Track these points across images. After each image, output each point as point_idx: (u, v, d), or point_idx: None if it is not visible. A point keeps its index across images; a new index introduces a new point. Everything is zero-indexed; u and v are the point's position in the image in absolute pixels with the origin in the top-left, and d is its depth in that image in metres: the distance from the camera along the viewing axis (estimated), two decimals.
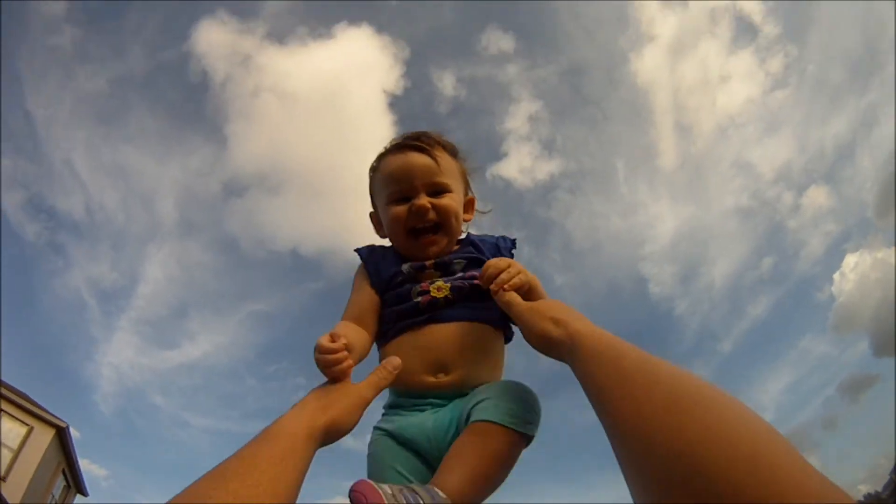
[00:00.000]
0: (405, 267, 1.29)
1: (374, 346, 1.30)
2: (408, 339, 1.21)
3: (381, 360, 1.07)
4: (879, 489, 79.08)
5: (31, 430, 16.06)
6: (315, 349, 0.99)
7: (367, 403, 0.98)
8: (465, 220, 1.42)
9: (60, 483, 18.19)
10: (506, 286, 1.15)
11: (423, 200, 1.28)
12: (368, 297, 1.29)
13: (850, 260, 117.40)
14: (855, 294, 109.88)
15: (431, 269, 1.28)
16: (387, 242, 1.42)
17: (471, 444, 0.99)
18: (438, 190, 1.31)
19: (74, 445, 18.33)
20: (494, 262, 1.20)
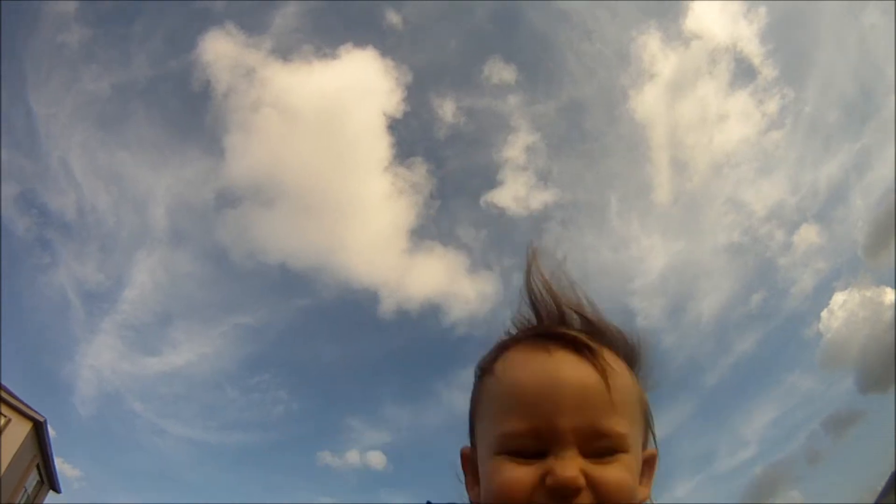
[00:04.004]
0: None
1: None
2: None
3: None
4: None
5: (8, 421, 16.60)
6: None
7: None
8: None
9: (34, 478, 18.61)
10: None
11: (572, 468, 0.60)
12: None
13: (839, 298, 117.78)
14: (842, 331, 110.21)
15: None
16: None
17: None
18: (604, 447, 0.63)
19: (51, 441, 18.84)
20: None
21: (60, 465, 20.05)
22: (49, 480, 19.85)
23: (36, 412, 17.75)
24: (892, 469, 52.07)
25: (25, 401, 17.47)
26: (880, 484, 60.99)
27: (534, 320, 0.74)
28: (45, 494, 19.90)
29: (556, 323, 0.72)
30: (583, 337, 0.68)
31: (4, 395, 16.63)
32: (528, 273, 0.75)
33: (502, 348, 0.74)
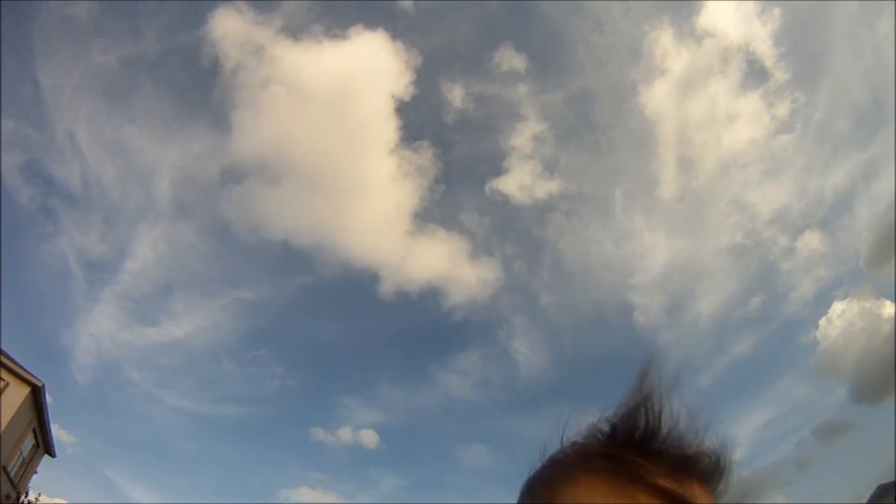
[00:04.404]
0: None
1: None
2: None
3: None
4: None
5: (6, 385, 16.82)
6: None
7: None
8: None
9: (30, 441, 18.90)
10: None
11: None
12: None
13: (838, 307, 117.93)
14: (839, 341, 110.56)
15: None
16: None
17: None
18: None
19: (48, 407, 19.08)
20: None
21: (55, 432, 20.32)
22: (45, 445, 20.14)
23: (34, 377, 17.93)
24: (880, 482, 52.06)
25: (24, 366, 17.68)
26: (865, 496, 60.93)
27: (615, 435, 0.58)
28: (41, 458, 20.21)
29: (645, 449, 0.55)
30: (671, 485, 0.53)
31: (3, 360, 16.82)
32: (643, 379, 0.60)
33: (569, 470, 0.58)
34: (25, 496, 18.05)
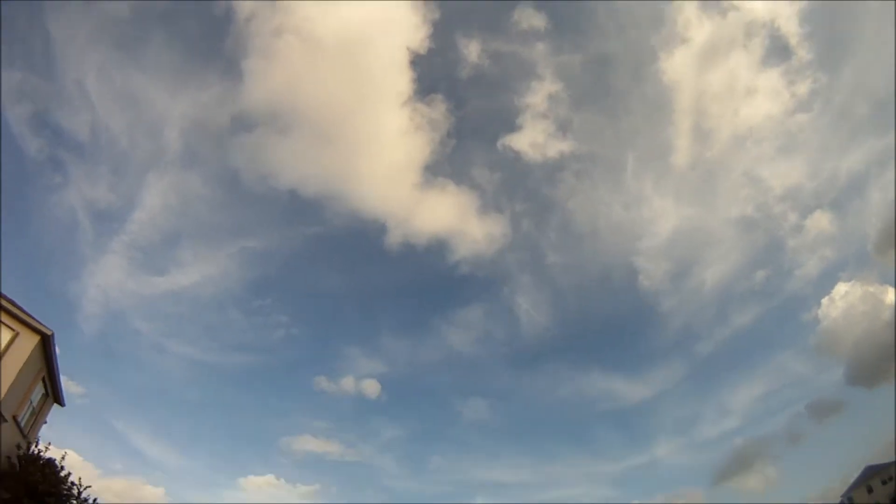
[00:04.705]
0: None
1: None
2: None
3: None
4: None
5: (16, 335, 16.18)
6: None
7: None
8: None
9: (39, 390, 18.44)
10: None
11: None
12: None
13: (842, 288, 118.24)
14: (840, 321, 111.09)
15: None
16: None
17: None
18: None
19: (57, 355, 18.52)
20: None
21: (64, 383, 19.84)
22: (54, 394, 19.72)
23: (44, 325, 17.33)
24: (869, 463, 52.70)
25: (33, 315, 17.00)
26: (853, 475, 62.33)
27: None
28: (50, 408, 19.82)
29: None
30: None
31: (13, 309, 16.11)
32: None
33: None
34: (35, 446, 17.67)
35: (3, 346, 15.58)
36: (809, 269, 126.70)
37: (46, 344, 17.63)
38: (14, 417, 16.40)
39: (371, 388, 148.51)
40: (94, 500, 17.45)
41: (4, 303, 15.78)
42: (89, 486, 17.35)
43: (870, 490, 59.25)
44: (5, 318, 15.78)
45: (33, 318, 16.95)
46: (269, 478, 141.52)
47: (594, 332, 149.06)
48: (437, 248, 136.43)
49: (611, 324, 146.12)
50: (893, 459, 59.60)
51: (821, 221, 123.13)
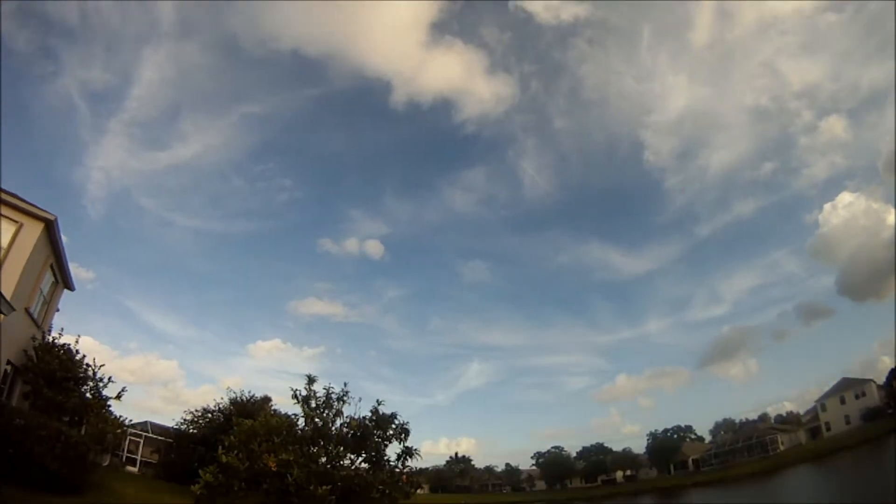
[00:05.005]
0: None
1: None
2: None
3: None
4: (802, 412, 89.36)
5: (20, 226, 14.91)
6: None
7: None
8: None
9: (49, 279, 17.60)
10: None
11: None
12: None
13: (846, 197, 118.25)
14: (839, 230, 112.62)
15: None
16: None
17: None
18: None
19: (62, 240, 17.44)
20: None
21: (75, 269, 18.97)
22: (63, 279, 18.95)
23: (45, 211, 16.02)
24: (846, 374, 56.15)
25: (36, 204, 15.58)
26: (829, 383, 66.40)
27: None
28: (61, 294, 19.17)
29: None
30: None
31: (13, 201, 14.62)
32: None
33: None
34: (49, 334, 17.30)
35: (7, 240, 14.35)
36: (817, 172, 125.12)
37: (50, 229, 16.45)
38: (26, 310, 15.72)
39: (374, 248, 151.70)
40: (109, 378, 17.62)
41: (5, 196, 14.25)
42: (103, 365, 17.41)
43: (842, 401, 63.57)
44: (6, 211, 14.37)
45: (34, 205, 15.55)
46: (276, 342, 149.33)
47: (596, 201, 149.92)
48: (443, 107, 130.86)
49: (613, 195, 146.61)
50: (870, 377, 63.44)
51: (835, 126, 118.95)
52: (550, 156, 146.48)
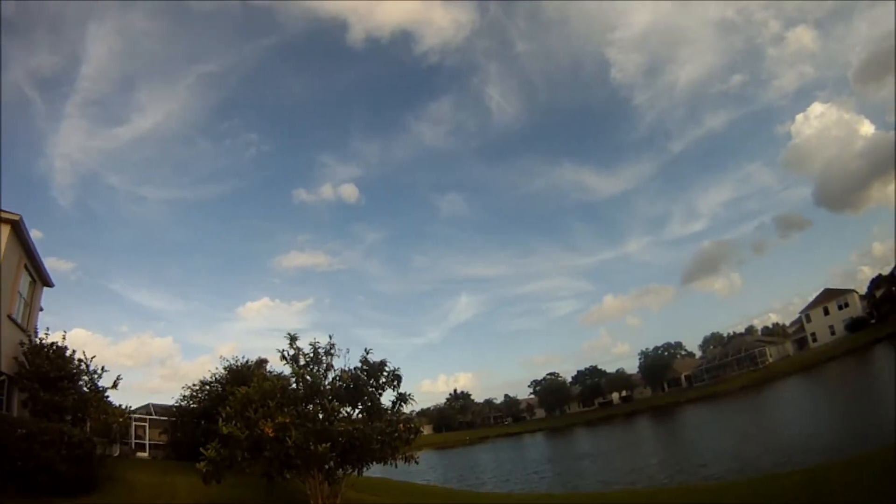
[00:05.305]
0: None
1: None
2: None
3: None
4: (787, 323, 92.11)
5: None
6: None
7: None
8: None
9: (26, 279, 16.67)
10: None
11: None
12: None
13: (818, 108, 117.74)
14: (812, 140, 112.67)
15: None
16: None
17: None
18: None
19: (35, 243, 16.41)
20: None
21: (53, 264, 17.97)
22: (40, 277, 18.01)
23: (9, 212, 14.95)
24: (828, 286, 57.76)
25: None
26: (812, 295, 68.48)
27: None
28: (41, 292, 18.27)
29: None
30: None
31: None
32: None
33: None
34: (36, 336, 16.59)
35: None
36: (787, 83, 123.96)
37: (17, 230, 15.41)
38: (9, 316, 14.92)
39: (349, 192, 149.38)
40: (102, 367, 17.22)
41: None
42: (94, 357, 16.97)
43: (826, 312, 65.70)
44: None
45: None
46: (265, 300, 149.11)
47: (565, 123, 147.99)
48: (402, 39, 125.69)
49: (582, 115, 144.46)
50: (851, 288, 65.27)
51: (803, 37, 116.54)
52: (515, 80, 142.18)
